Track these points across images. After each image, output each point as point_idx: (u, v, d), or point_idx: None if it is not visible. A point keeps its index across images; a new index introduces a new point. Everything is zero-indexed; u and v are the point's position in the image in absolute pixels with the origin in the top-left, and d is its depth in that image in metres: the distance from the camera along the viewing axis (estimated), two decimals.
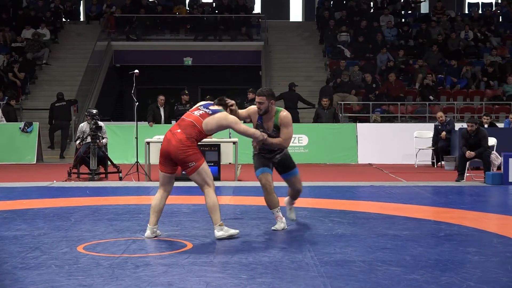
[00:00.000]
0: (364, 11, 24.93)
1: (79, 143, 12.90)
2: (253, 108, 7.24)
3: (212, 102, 6.84)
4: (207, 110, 6.67)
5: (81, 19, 27.18)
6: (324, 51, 23.42)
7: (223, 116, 6.67)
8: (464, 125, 14.59)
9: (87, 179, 12.27)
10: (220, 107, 6.75)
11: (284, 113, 7.19)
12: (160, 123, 16.46)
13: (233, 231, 6.60)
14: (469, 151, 12.09)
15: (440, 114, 15.74)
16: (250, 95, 17.03)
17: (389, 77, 20.01)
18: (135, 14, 24.35)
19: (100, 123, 12.68)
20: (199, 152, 6.64)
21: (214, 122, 6.62)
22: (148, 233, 6.66)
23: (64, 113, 18.41)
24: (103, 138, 12.71)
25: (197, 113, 6.68)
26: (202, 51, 23.87)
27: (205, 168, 6.64)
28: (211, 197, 6.56)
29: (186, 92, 16.96)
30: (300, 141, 16.54)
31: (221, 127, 6.74)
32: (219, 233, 6.51)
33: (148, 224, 6.69)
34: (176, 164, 6.70)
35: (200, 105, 6.81)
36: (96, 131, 12.36)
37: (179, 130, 6.61)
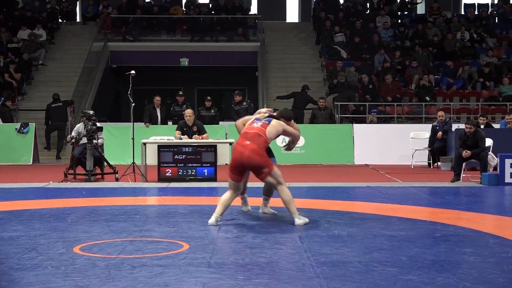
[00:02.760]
0: (360, 12, 24.97)
1: (71, 137, 12.87)
2: None
3: (260, 118, 7.75)
4: (265, 121, 7.61)
5: (78, 20, 27.15)
6: (320, 51, 23.44)
7: (277, 122, 7.64)
8: (461, 125, 14.62)
9: (84, 180, 12.26)
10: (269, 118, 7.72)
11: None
12: (157, 124, 16.44)
13: (306, 219, 7.44)
14: (465, 151, 12.10)
15: (441, 113, 15.72)
16: (237, 98, 17.02)
17: (386, 79, 20.03)
18: (131, 14, 24.33)
19: (98, 124, 12.65)
20: (268, 158, 7.52)
21: (273, 129, 7.54)
22: (212, 220, 7.41)
23: (60, 114, 18.38)
24: (99, 138, 12.70)
25: (257, 125, 7.57)
26: (199, 51, 23.87)
27: (276, 170, 7.46)
28: (286, 193, 7.42)
29: (180, 93, 16.96)
30: None
31: (278, 133, 7.63)
32: (299, 221, 7.36)
33: (214, 213, 7.45)
34: (243, 173, 7.52)
35: (254, 119, 7.71)
36: (96, 131, 12.36)
37: (248, 142, 7.39)
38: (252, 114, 17.23)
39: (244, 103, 17.14)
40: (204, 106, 16.66)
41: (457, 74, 21.24)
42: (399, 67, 21.59)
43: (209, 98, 16.80)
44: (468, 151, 12.08)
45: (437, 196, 10.43)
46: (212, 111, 16.50)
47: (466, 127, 12.30)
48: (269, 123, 7.57)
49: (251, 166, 7.41)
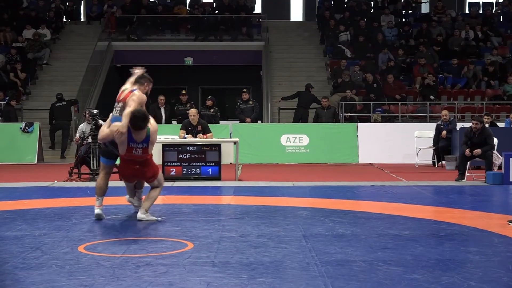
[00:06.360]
0: (364, 11, 24.95)
1: (78, 137, 12.90)
2: None
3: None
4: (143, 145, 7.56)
5: (82, 19, 27.20)
6: (324, 51, 23.43)
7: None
8: (465, 124, 14.59)
9: (88, 179, 12.26)
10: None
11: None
12: (161, 123, 16.44)
13: (152, 218, 7.55)
14: (477, 150, 12.04)
15: (445, 112, 15.72)
16: (244, 96, 17.04)
17: (388, 78, 20.02)
18: (135, 14, 24.36)
19: (101, 122, 12.65)
20: (157, 166, 7.85)
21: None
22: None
23: (64, 113, 18.41)
24: None
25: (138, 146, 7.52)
26: (203, 51, 23.87)
27: (161, 175, 7.81)
28: (157, 193, 7.73)
29: (183, 92, 17.00)
30: (301, 141, 16.55)
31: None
32: (143, 215, 7.50)
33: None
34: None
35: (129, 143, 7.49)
36: (96, 131, 12.35)
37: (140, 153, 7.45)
38: (258, 113, 17.33)
39: (250, 102, 17.17)
40: (205, 105, 16.70)
41: (461, 73, 21.21)
42: (403, 65, 21.57)
43: (210, 97, 16.82)
44: (478, 150, 12.02)
45: (442, 195, 10.41)
46: (212, 110, 16.49)
47: (473, 123, 12.26)
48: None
49: (147, 178, 7.69)
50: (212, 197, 10.23)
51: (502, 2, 26.68)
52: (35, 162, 16.31)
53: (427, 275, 5.08)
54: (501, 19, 25.74)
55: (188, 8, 25.73)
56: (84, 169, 12.70)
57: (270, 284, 4.84)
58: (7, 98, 18.60)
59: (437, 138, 15.52)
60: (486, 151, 12.09)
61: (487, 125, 14.75)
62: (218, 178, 12.06)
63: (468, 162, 12.40)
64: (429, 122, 18.03)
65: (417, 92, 20.19)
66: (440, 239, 6.61)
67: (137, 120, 7.31)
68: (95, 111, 12.80)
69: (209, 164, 12.14)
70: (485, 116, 15.43)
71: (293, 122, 18.77)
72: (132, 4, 24.69)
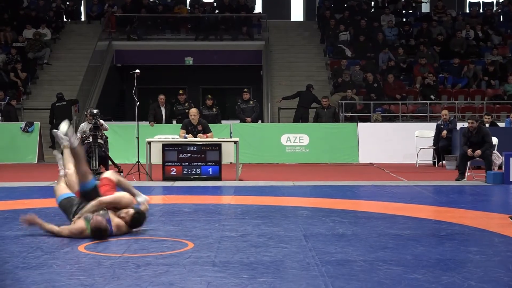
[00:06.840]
0: (365, 10, 24.95)
1: (80, 136, 12.89)
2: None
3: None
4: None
5: (82, 19, 27.22)
6: (325, 50, 23.43)
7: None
8: (465, 124, 14.59)
9: None
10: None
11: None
12: (162, 123, 16.45)
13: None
14: (477, 151, 12.04)
15: (445, 112, 15.71)
16: (245, 95, 17.04)
17: (388, 78, 20.02)
18: (136, 13, 24.36)
19: (101, 122, 12.64)
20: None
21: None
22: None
23: (64, 113, 18.36)
24: (103, 130, 12.63)
25: None
26: (203, 50, 23.88)
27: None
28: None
29: (181, 92, 16.94)
30: (301, 140, 16.55)
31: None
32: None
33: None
34: None
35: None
36: (95, 131, 12.34)
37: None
38: (258, 113, 17.32)
39: (251, 102, 17.17)
40: (206, 105, 16.65)
41: (461, 73, 21.21)
42: (403, 65, 21.56)
43: (210, 96, 16.80)
44: (478, 151, 12.03)
45: (442, 194, 10.41)
46: (214, 109, 16.48)
47: (469, 122, 12.29)
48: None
49: None
50: (212, 196, 10.23)
51: (502, 1, 26.67)
52: (36, 162, 16.31)
53: (428, 275, 5.08)
54: (501, 19, 25.73)
55: (188, 7, 25.73)
56: None
57: (271, 284, 4.84)
58: (8, 97, 18.60)
59: (437, 137, 15.51)
60: (486, 149, 12.10)
61: (487, 125, 14.78)
62: (218, 177, 12.06)
63: (469, 162, 12.40)
64: (430, 121, 18.01)
65: (418, 92, 20.18)
66: (441, 238, 6.61)
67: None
68: (95, 111, 12.81)
69: (210, 163, 12.14)
70: (486, 116, 15.43)
71: (294, 121, 18.76)
72: (132, 3, 24.69)
